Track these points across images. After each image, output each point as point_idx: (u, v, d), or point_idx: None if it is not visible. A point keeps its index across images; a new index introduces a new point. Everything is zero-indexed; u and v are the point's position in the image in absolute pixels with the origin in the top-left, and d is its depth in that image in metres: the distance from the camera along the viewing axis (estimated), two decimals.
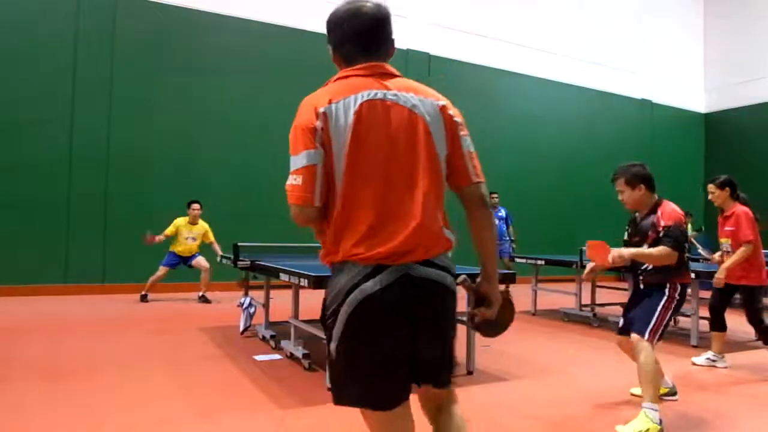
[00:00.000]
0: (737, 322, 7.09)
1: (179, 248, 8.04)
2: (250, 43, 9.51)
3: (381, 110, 1.53)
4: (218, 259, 6.75)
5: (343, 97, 1.53)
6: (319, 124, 1.50)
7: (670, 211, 3.35)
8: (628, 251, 3.38)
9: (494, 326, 1.86)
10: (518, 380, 4.17)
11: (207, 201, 8.37)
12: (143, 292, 7.84)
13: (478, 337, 4.41)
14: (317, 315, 4.73)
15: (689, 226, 10.26)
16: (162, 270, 7.88)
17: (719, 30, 15.02)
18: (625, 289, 7.15)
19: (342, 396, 1.59)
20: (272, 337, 5.04)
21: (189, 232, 8.04)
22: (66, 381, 3.78)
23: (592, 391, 3.92)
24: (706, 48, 15.34)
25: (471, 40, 11.77)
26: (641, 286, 3.52)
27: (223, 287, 8.60)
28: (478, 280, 1.76)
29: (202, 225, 8.16)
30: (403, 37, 10.96)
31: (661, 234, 3.29)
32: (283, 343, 4.73)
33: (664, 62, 14.62)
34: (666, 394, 3.72)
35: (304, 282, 3.66)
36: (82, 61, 8.37)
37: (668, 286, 3.37)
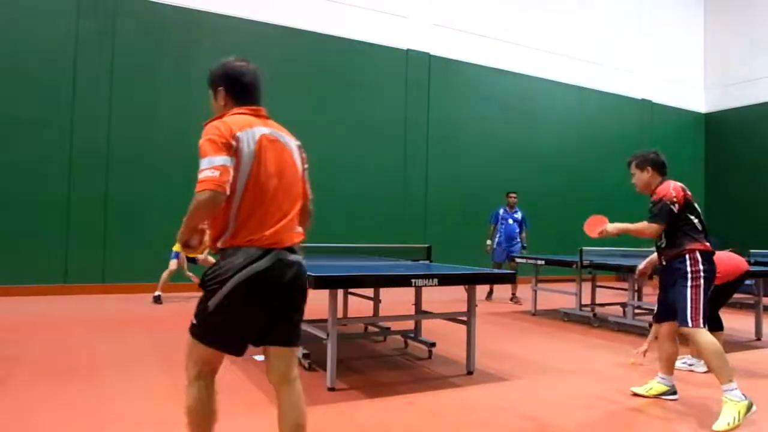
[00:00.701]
0: (738, 322, 7.10)
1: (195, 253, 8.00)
2: (250, 43, 9.51)
3: (271, 143, 2.13)
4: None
5: (247, 128, 2.08)
6: (233, 143, 2.01)
7: (661, 189, 3.61)
8: (614, 225, 3.72)
9: None
10: (518, 380, 4.17)
11: None
12: (156, 293, 7.66)
13: (478, 338, 4.42)
14: (318, 315, 4.71)
15: None
16: (174, 263, 7.82)
17: (719, 30, 15.02)
18: (624, 289, 7.16)
19: (204, 337, 2.06)
20: None
21: None
22: (66, 381, 3.78)
23: (592, 391, 3.92)
24: (706, 48, 15.34)
25: (471, 40, 11.77)
26: (664, 263, 3.66)
27: None
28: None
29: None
30: (403, 37, 10.98)
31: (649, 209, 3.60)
32: None
33: (664, 62, 14.62)
34: (665, 393, 3.73)
35: None
36: (82, 61, 8.38)
37: (687, 257, 3.47)
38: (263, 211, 2.06)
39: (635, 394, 3.78)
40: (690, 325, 3.36)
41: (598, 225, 3.75)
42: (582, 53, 13.25)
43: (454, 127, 11.42)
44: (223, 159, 1.95)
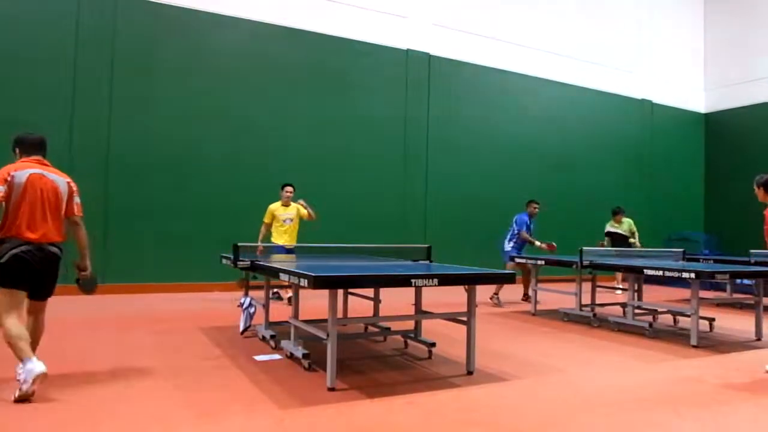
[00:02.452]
0: (738, 322, 7.11)
1: (283, 238, 7.90)
2: (250, 43, 9.51)
3: (39, 178, 3.63)
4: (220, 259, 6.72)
5: (22, 170, 3.60)
6: (8, 178, 3.52)
7: None
8: None
9: (87, 287, 4.19)
10: (518, 380, 4.16)
11: (206, 201, 8.38)
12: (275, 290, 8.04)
13: (478, 338, 4.42)
14: (318, 315, 4.72)
15: (614, 223, 10.34)
16: None
17: (719, 30, 15.02)
18: (624, 289, 7.15)
19: (3, 283, 3.50)
20: (272, 337, 5.05)
21: (284, 213, 8.01)
22: (66, 381, 3.78)
23: (593, 391, 3.92)
24: (706, 48, 15.34)
25: (471, 40, 11.77)
26: None
27: (223, 287, 8.60)
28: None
29: (294, 205, 8.12)
30: (403, 37, 10.98)
31: None
32: (283, 343, 4.73)
33: (664, 62, 14.62)
34: None
35: (304, 282, 3.66)
36: (82, 61, 8.38)
37: None
38: (27, 219, 3.53)
39: None
40: None
41: None
42: (582, 53, 13.25)
43: (454, 127, 11.42)
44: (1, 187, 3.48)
